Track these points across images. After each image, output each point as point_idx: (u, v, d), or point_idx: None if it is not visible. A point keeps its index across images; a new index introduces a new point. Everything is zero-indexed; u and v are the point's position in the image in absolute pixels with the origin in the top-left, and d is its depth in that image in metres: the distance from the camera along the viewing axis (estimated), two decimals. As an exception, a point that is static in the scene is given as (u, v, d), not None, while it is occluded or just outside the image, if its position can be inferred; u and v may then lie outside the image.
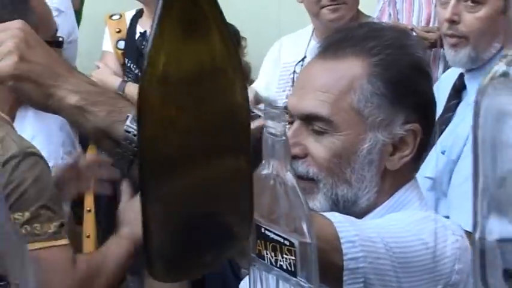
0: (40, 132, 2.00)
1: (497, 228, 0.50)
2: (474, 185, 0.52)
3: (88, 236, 1.98)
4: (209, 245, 0.54)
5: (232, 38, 0.52)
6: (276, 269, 0.60)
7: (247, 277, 0.71)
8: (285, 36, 2.15)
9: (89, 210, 2.01)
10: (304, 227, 0.58)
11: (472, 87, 1.72)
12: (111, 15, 2.62)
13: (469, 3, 1.69)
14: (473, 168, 0.52)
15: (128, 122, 0.74)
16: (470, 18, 1.71)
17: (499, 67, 0.50)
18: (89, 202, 1.99)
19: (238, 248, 0.58)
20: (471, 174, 1.22)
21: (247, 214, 0.54)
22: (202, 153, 0.50)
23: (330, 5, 2.11)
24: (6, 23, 0.84)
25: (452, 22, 1.73)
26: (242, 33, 2.82)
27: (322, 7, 2.13)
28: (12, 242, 0.64)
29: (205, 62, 0.49)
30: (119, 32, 2.56)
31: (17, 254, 0.64)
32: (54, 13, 1.98)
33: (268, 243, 0.59)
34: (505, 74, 0.49)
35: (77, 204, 2.02)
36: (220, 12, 0.49)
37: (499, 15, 1.67)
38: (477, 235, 0.51)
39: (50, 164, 1.45)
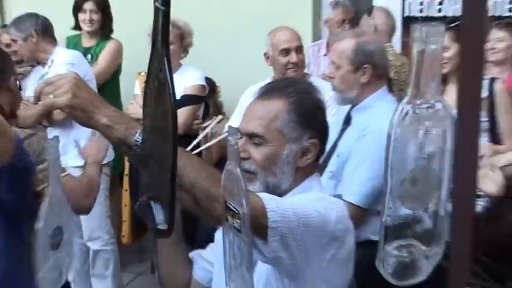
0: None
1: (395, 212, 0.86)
2: (385, 185, 0.86)
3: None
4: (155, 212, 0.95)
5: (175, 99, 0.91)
6: (233, 228, 0.98)
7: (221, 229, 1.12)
8: (252, 86, 2.87)
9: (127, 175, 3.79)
10: (244, 202, 0.96)
11: (355, 117, 2.61)
12: (140, 72, 3.66)
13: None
14: (384, 173, 0.85)
15: (136, 135, 1.16)
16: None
17: (404, 107, 0.80)
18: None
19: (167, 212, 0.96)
20: (353, 169, 2.35)
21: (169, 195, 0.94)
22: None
23: (293, 68, 3.20)
24: (64, 73, 1.43)
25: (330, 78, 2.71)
26: (219, 82, 4.20)
27: (288, 69, 3.21)
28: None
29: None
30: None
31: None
32: (68, 66, 3.10)
33: (229, 211, 0.97)
34: (407, 113, 0.80)
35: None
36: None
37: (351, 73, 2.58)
38: (383, 218, 0.87)
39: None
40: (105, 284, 3.58)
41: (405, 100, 0.82)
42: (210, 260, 1.76)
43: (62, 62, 3.28)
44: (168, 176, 0.93)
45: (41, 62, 3.46)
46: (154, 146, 0.96)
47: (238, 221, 0.98)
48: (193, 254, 1.84)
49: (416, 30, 0.82)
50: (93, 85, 3.27)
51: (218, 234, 1.63)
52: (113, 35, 3.97)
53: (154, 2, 0.89)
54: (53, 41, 3.48)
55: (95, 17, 3.83)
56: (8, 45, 3.45)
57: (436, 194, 0.89)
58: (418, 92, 0.82)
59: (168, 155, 0.91)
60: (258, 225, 1.25)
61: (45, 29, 3.44)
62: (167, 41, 0.88)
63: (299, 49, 3.27)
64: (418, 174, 0.86)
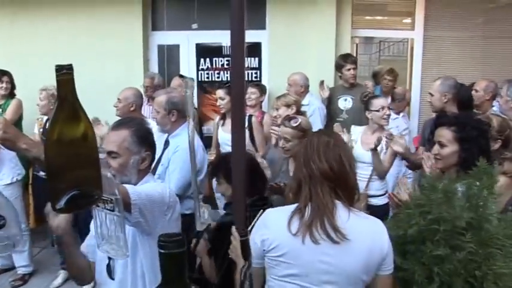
0: None
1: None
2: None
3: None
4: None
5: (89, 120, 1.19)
6: (105, 210, 1.41)
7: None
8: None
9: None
10: (116, 191, 1.41)
11: (172, 141, 3.69)
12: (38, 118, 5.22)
13: None
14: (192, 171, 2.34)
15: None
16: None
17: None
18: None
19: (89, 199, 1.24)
20: (171, 172, 3.60)
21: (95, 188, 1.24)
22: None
23: None
24: None
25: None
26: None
27: None
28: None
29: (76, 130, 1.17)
30: None
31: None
32: None
33: (103, 200, 1.39)
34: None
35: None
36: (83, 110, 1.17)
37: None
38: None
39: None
40: (22, 256, 4.94)
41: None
42: (92, 243, 2.18)
43: None
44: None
45: None
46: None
47: (111, 205, 1.39)
48: (82, 246, 2.33)
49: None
50: None
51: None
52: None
53: (56, 72, 1.11)
54: None
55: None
56: None
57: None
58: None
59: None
60: (125, 203, 1.75)
61: None
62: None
63: None
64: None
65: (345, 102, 5.43)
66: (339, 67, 5.55)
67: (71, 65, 1.15)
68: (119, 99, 4.57)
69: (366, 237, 1.86)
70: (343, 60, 5.48)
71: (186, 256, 1.08)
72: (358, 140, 4.24)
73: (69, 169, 1.16)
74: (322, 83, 5.52)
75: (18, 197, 4.98)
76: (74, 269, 2.31)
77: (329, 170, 1.91)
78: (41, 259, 5.40)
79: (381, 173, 4.11)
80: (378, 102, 4.23)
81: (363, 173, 4.09)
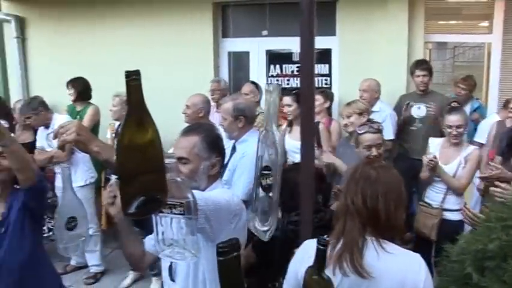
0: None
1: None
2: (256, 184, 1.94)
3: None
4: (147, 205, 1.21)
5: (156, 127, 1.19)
6: (171, 214, 1.36)
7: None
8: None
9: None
10: (189, 195, 1.39)
11: (239, 147, 3.71)
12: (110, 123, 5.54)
13: None
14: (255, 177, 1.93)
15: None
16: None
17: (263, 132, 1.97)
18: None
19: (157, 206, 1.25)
20: (238, 177, 3.57)
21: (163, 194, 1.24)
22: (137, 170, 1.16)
23: None
24: (71, 120, 2.34)
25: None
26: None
27: None
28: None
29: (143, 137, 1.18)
30: None
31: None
32: None
33: (167, 206, 1.34)
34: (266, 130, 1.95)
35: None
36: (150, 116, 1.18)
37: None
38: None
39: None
40: (94, 256, 5.16)
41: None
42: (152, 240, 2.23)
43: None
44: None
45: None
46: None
47: (180, 208, 1.36)
48: (145, 239, 2.39)
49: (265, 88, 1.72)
50: None
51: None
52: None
53: (126, 78, 1.12)
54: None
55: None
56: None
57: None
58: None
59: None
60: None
61: (45, 105, 5.16)
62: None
63: None
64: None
65: (418, 110, 5.28)
66: (412, 73, 5.43)
67: (138, 71, 1.15)
68: (187, 105, 4.64)
69: (396, 275, 1.82)
70: (415, 67, 5.36)
71: (239, 262, 1.06)
72: (437, 153, 4.08)
73: (137, 174, 1.17)
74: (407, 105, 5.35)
75: (90, 199, 5.17)
76: (126, 253, 2.33)
77: (362, 205, 1.89)
78: (111, 259, 5.58)
79: (456, 189, 3.98)
80: (450, 118, 4.08)
81: (440, 186, 3.97)
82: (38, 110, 5.22)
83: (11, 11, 7.20)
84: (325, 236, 1.29)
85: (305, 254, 1.91)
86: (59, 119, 4.95)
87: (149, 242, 2.29)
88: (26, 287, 2.53)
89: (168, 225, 1.39)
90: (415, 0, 5.93)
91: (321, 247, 1.28)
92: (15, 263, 2.53)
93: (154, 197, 1.20)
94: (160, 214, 1.36)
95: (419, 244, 3.96)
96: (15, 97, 6.99)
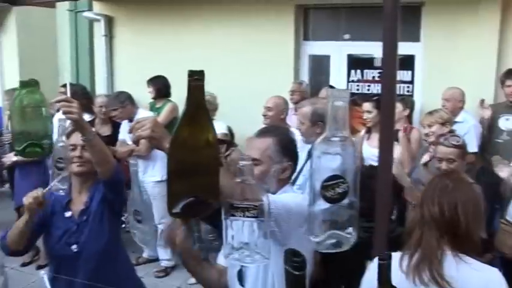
0: None
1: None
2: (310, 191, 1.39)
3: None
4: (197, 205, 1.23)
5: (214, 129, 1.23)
6: (243, 217, 1.30)
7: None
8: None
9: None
10: (263, 197, 1.35)
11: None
12: None
13: None
14: (310, 181, 1.38)
15: None
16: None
17: (321, 138, 1.32)
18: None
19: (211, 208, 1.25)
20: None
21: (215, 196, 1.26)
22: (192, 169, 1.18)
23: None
24: (147, 116, 2.44)
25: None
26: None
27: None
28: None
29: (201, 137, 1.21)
30: None
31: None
32: None
33: (238, 209, 1.28)
34: (324, 139, 1.31)
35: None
36: (209, 118, 1.22)
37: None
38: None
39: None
40: (166, 251, 5.29)
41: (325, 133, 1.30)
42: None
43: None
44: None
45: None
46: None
47: (254, 211, 1.31)
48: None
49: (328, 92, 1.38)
50: None
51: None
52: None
53: (188, 78, 1.12)
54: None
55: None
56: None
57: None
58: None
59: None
60: None
61: (132, 99, 5.34)
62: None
63: None
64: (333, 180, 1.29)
65: (506, 122, 5.00)
66: (502, 83, 5.15)
67: (202, 71, 1.15)
68: (269, 107, 4.62)
69: (476, 287, 1.79)
70: (506, 76, 5.08)
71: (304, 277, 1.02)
72: None
73: (189, 175, 1.17)
74: (482, 102, 5.15)
75: (165, 195, 5.20)
76: (200, 281, 2.36)
77: (439, 215, 1.87)
78: (182, 255, 5.66)
79: None
80: None
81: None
82: (125, 103, 5.42)
83: (101, 11, 7.54)
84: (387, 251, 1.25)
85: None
86: (143, 114, 5.08)
87: (221, 257, 2.30)
88: (102, 274, 2.60)
89: (240, 228, 1.36)
90: (509, 3, 5.60)
91: (382, 262, 1.21)
92: (94, 251, 2.62)
93: (204, 200, 1.18)
94: (232, 218, 1.33)
95: (504, 265, 3.73)
96: (101, 92, 7.28)
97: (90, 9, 7.71)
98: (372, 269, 1.92)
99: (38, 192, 2.46)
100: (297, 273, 0.99)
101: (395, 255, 1.87)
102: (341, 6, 6.29)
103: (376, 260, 1.92)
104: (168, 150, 1.44)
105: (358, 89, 6.36)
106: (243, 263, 1.55)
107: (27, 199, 2.46)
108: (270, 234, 1.76)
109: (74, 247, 2.64)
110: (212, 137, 1.18)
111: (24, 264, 5.60)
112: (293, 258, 1.01)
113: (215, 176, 1.20)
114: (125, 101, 5.42)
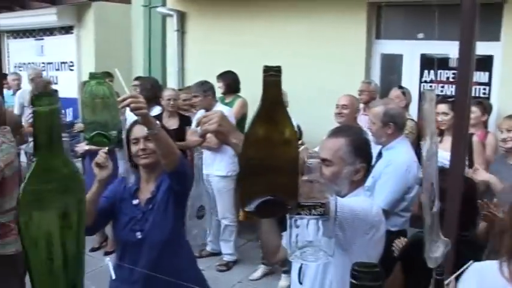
0: None
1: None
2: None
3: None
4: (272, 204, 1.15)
5: (293, 126, 1.14)
6: (308, 216, 1.23)
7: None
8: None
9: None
10: (330, 196, 1.28)
11: (385, 154, 3.57)
12: None
13: None
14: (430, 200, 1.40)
15: None
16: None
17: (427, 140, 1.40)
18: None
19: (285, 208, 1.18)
20: (381, 185, 3.38)
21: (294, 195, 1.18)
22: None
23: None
24: (215, 110, 2.36)
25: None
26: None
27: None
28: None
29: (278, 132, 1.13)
30: None
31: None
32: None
33: (305, 208, 1.21)
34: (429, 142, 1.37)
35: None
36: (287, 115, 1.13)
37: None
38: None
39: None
40: (228, 245, 5.37)
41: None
42: None
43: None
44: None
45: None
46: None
47: (320, 209, 1.25)
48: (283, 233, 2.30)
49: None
50: (232, 120, 4.68)
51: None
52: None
53: (264, 73, 1.10)
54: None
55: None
56: (184, 100, 5.54)
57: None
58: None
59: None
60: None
61: (214, 91, 5.38)
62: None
63: None
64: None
65: None
66: None
67: (279, 67, 1.11)
68: (344, 105, 4.56)
69: None
70: None
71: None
72: None
73: (265, 172, 1.12)
74: None
75: (230, 190, 5.30)
76: (262, 241, 2.33)
77: None
78: (245, 250, 5.71)
79: None
80: None
81: None
82: (207, 93, 5.43)
83: (174, 6, 7.70)
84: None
85: (480, 278, 1.88)
86: (220, 108, 5.11)
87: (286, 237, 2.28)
88: (164, 263, 2.64)
89: (304, 227, 1.32)
90: None
91: (438, 277, 1.18)
92: (157, 239, 2.66)
93: (281, 201, 1.13)
94: (297, 216, 1.28)
95: None
96: (171, 85, 7.42)
97: (163, 4, 7.89)
98: (468, 280, 1.91)
99: (102, 154, 2.52)
100: (354, 281, 0.93)
101: (492, 264, 1.88)
102: (415, 4, 6.10)
103: (471, 273, 1.91)
104: (241, 146, 1.40)
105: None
106: (306, 262, 1.51)
107: (99, 156, 2.52)
108: (334, 237, 1.78)
109: (138, 234, 2.69)
110: (291, 134, 1.13)
111: (93, 249, 5.82)
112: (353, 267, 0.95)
113: (294, 176, 1.15)
114: (207, 91, 5.43)
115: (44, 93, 0.96)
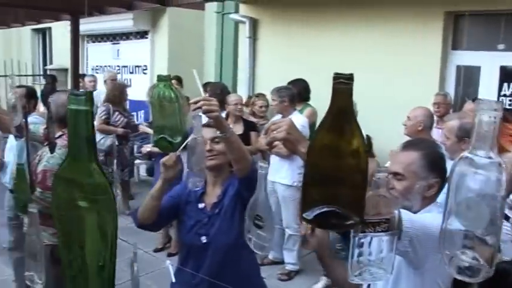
0: None
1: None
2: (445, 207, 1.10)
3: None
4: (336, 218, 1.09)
5: (363, 138, 1.09)
6: (372, 233, 1.19)
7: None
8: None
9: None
10: (396, 212, 1.25)
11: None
12: None
13: None
14: (446, 198, 1.09)
15: None
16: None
17: (464, 154, 1.04)
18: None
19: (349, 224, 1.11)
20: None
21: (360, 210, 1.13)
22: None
23: None
24: (283, 119, 1.84)
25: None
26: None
27: None
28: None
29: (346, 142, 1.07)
30: None
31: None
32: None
33: (370, 224, 1.18)
34: (467, 157, 1.04)
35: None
36: (357, 124, 1.08)
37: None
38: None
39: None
40: (291, 254, 5.34)
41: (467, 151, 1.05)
42: None
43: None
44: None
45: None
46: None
47: (385, 225, 1.23)
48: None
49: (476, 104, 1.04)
50: (305, 131, 4.91)
51: None
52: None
53: (334, 80, 1.06)
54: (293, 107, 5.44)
55: None
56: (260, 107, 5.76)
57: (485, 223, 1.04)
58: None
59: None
60: (399, 228, 1.50)
61: (292, 98, 5.31)
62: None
63: None
64: (470, 202, 1.03)
65: None
66: None
67: (350, 75, 1.08)
68: (408, 116, 4.45)
69: None
70: None
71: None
72: None
73: (328, 182, 1.07)
74: None
75: (295, 199, 5.19)
76: (331, 279, 2.25)
77: None
78: (308, 260, 5.59)
79: None
80: None
81: None
82: (283, 99, 5.32)
83: (246, 13, 7.78)
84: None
85: None
86: (294, 117, 5.06)
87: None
88: (227, 269, 2.63)
89: (367, 245, 1.26)
90: None
91: None
92: (222, 244, 2.65)
93: (344, 214, 1.08)
94: (361, 234, 1.22)
95: None
96: (242, 92, 7.48)
97: (236, 11, 7.97)
98: None
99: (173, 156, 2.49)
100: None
101: None
102: (496, 13, 5.84)
103: None
104: (306, 154, 1.34)
105: (510, 104, 5.84)
106: (365, 281, 1.44)
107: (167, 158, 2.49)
108: (403, 254, 1.75)
109: (203, 238, 2.68)
110: (360, 145, 1.08)
111: (156, 250, 5.88)
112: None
113: (361, 189, 1.10)
114: (284, 97, 5.33)
115: (78, 92, 0.98)
